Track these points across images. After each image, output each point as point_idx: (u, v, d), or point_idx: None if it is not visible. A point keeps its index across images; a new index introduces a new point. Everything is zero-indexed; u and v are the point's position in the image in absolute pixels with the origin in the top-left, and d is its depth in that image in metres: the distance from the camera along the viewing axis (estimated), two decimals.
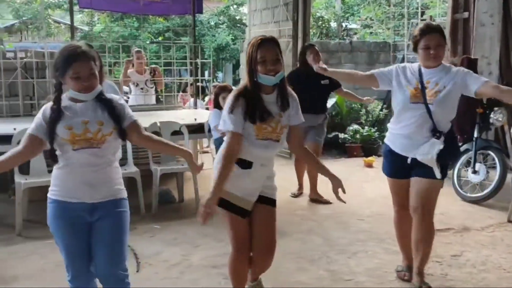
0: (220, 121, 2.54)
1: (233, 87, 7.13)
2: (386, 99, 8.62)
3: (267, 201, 2.63)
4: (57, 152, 2.19)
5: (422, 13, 8.22)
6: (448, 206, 4.88)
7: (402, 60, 8.39)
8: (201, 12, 7.11)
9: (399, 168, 3.07)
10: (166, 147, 2.50)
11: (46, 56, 5.61)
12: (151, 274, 3.40)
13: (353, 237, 4.07)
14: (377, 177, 6.11)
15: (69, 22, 14.84)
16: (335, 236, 4.09)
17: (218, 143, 5.08)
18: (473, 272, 3.36)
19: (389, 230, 4.21)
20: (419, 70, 2.98)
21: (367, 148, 7.78)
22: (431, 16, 7.14)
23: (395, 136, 3.06)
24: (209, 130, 5.09)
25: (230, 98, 2.49)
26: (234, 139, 2.45)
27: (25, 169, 4.33)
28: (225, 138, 2.55)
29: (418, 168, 2.98)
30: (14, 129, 4.27)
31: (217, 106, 5.10)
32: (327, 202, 4.96)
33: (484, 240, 3.88)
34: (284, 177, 6.12)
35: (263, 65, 2.41)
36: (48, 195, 2.27)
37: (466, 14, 6.42)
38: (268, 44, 2.43)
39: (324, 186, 4.31)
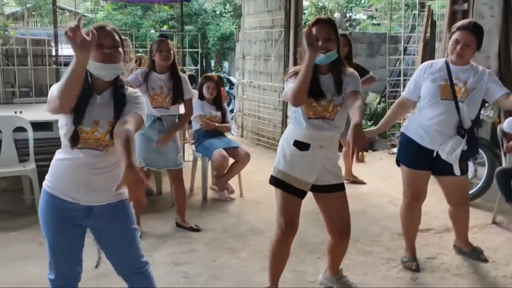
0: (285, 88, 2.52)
1: (222, 77, 6.96)
2: (384, 92, 8.41)
3: (336, 188, 2.65)
4: (62, 140, 2.05)
5: (423, 5, 7.94)
6: (433, 205, 4.67)
7: (405, 51, 8.15)
8: (189, 0, 6.94)
9: (421, 159, 3.13)
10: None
11: (28, 43, 5.51)
12: (109, 270, 3.28)
13: (327, 236, 3.90)
14: (367, 172, 5.95)
15: (74, 9, 14.82)
16: (309, 235, 3.94)
17: (197, 134, 4.97)
18: (445, 277, 3.20)
19: (365, 228, 4.08)
20: (447, 67, 3.05)
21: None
22: (429, 7, 6.88)
23: (420, 128, 3.09)
24: (189, 121, 4.96)
25: (291, 70, 2.54)
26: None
27: None
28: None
29: (444, 164, 3.07)
30: None
31: (201, 96, 4.97)
32: (362, 182, 5.49)
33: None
34: (270, 171, 6.01)
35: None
36: (43, 184, 2.13)
37: (465, 6, 6.17)
38: (322, 23, 2.48)
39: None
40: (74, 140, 1.99)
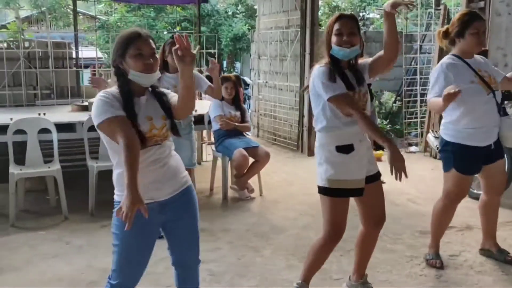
0: (322, 89, 2.47)
1: (240, 77, 7.01)
2: (399, 91, 8.40)
3: (376, 178, 2.69)
4: (116, 149, 1.99)
5: (438, 3, 7.92)
6: None
7: (420, 50, 8.13)
8: (206, 1, 7.00)
9: (478, 162, 3.13)
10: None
11: (50, 46, 5.61)
12: None
13: (350, 234, 3.83)
14: (384, 171, 5.95)
15: (88, 12, 14.98)
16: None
17: (217, 134, 5.02)
18: (469, 274, 3.21)
19: (389, 226, 4.07)
20: (466, 63, 3.03)
21: None
22: (445, 5, 6.87)
23: (474, 131, 3.05)
24: (209, 122, 5.03)
25: (323, 69, 2.49)
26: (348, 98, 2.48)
27: (21, 159, 4.34)
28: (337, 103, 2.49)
29: (496, 151, 3.12)
30: (11, 119, 4.27)
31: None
32: (382, 182, 5.34)
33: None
34: (288, 171, 6.06)
35: (338, 36, 2.47)
36: (114, 198, 2.09)
37: (481, 4, 6.16)
38: (345, 18, 2.50)
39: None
40: (142, 140, 1.98)
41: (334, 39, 2.48)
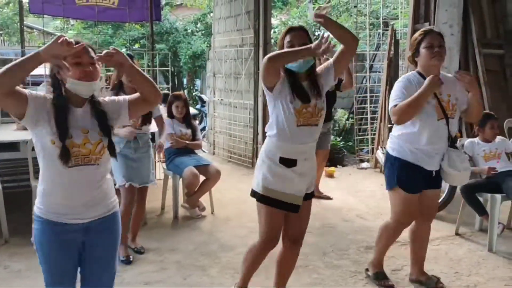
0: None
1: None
2: (351, 109, 8.61)
3: (309, 196, 2.72)
4: (43, 163, 1.97)
5: (386, 24, 8.22)
6: None
7: (371, 69, 8.38)
8: (159, 19, 7.01)
9: (421, 181, 3.07)
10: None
11: None
12: None
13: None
14: (336, 187, 6.06)
15: (43, 28, 14.66)
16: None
17: (168, 153, 4.99)
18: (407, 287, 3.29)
19: (335, 242, 4.16)
20: (424, 79, 2.87)
21: (332, 157, 7.72)
22: (392, 26, 7.13)
23: (419, 151, 2.99)
24: None
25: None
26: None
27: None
28: None
29: (434, 179, 3.09)
30: None
31: (170, 115, 5.00)
32: (328, 198, 5.52)
33: (428, 254, 3.79)
34: (242, 188, 6.06)
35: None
36: (35, 211, 2.03)
37: (426, 25, 6.42)
38: (296, 31, 2.55)
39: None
40: (65, 156, 1.91)
41: None
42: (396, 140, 3.09)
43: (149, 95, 2.09)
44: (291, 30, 2.56)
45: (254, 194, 2.68)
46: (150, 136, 4.10)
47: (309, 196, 2.71)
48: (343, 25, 2.68)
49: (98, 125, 2.02)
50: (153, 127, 4.13)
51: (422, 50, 2.92)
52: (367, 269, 3.47)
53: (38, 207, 2.03)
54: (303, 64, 2.47)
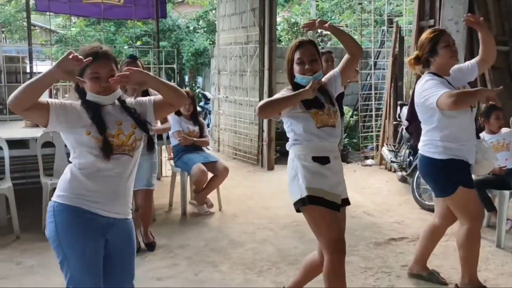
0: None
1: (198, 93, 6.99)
2: (356, 105, 8.62)
3: (346, 202, 2.65)
4: (79, 158, 2.00)
5: (390, 21, 8.23)
6: (406, 214, 4.86)
7: (375, 66, 8.39)
8: (164, 17, 7.03)
9: (471, 177, 3.04)
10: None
11: (2, 60, 5.47)
12: None
13: (307, 248, 3.98)
14: None
15: (46, 26, 14.66)
16: (289, 246, 4.02)
17: (176, 150, 5.01)
18: (420, 283, 3.31)
19: (345, 238, 4.17)
20: (445, 79, 2.89)
21: None
22: (397, 23, 7.14)
23: (463, 147, 2.94)
24: (168, 137, 5.01)
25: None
26: None
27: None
28: None
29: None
30: None
31: (177, 112, 5.02)
32: None
33: (437, 250, 3.82)
34: (248, 185, 6.09)
35: (300, 65, 2.53)
36: (59, 200, 2.00)
37: (431, 22, 6.44)
38: (305, 45, 2.55)
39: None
40: (107, 148, 1.96)
41: (296, 68, 2.54)
42: (439, 143, 2.95)
43: (174, 100, 2.12)
44: (300, 45, 2.55)
45: (298, 203, 2.51)
46: (155, 140, 4.08)
47: (345, 202, 2.63)
48: (348, 33, 2.76)
49: (131, 118, 2.08)
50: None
51: (441, 50, 2.91)
52: (422, 275, 3.38)
53: (61, 195, 2.01)
54: (313, 78, 2.50)
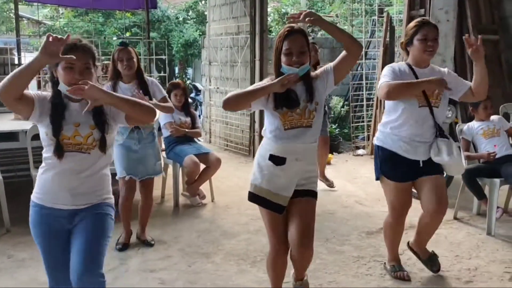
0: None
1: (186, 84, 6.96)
2: (347, 96, 8.63)
3: (306, 193, 2.56)
4: (44, 152, 2.11)
5: (381, 11, 8.22)
6: None
7: (366, 56, 8.38)
8: (155, 7, 6.96)
9: (407, 171, 3.01)
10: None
11: None
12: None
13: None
14: (333, 174, 6.10)
15: (33, 17, 14.47)
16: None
17: (168, 141, 4.98)
18: (412, 272, 3.34)
19: (336, 229, 4.20)
20: (412, 71, 2.93)
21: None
22: (388, 13, 7.14)
23: (400, 140, 2.99)
24: (159, 129, 4.97)
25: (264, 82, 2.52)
26: None
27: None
28: None
29: (427, 167, 3.00)
30: None
31: None
32: (330, 186, 5.50)
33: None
34: (240, 176, 6.08)
35: (287, 56, 2.41)
36: (32, 198, 2.17)
37: (422, 11, 6.44)
38: (295, 35, 2.40)
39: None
40: (59, 152, 2.04)
41: (283, 58, 2.42)
42: (382, 129, 3.09)
43: (139, 117, 2.10)
44: (289, 34, 2.41)
45: (248, 195, 2.61)
46: (155, 126, 4.08)
47: (312, 194, 2.57)
48: (341, 28, 2.65)
49: (92, 119, 2.09)
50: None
51: (416, 42, 2.91)
52: (384, 263, 3.40)
53: (34, 192, 2.17)
54: (300, 71, 2.40)
